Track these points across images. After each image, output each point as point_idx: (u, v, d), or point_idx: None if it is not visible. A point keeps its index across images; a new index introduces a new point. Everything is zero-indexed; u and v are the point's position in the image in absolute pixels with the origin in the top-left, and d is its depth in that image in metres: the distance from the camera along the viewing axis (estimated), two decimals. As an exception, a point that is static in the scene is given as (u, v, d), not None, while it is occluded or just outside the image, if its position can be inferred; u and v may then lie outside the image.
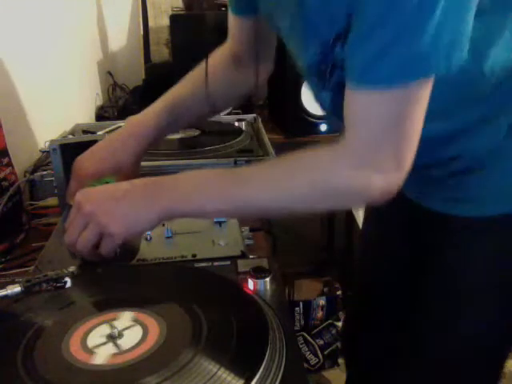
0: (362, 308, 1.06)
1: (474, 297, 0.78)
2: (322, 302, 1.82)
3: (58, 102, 1.53)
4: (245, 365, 0.50)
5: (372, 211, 1.02)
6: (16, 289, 0.64)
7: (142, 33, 2.33)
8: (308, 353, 1.77)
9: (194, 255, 0.77)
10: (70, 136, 1.30)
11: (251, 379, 0.48)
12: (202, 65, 0.92)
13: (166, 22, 2.27)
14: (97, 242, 0.69)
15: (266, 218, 0.71)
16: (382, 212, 0.91)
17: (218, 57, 0.95)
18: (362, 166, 0.62)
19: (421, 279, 0.83)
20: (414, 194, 0.83)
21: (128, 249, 0.79)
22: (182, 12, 2.02)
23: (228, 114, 1.85)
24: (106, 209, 0.68)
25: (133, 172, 0.86)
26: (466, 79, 0.65)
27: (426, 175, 0.78)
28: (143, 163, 1.07)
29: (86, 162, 0.85)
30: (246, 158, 1.08)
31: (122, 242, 0.69)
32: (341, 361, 1.76)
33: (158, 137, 0.89)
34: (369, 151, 0.61)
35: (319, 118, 1.75)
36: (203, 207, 0.67)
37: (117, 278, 0.72)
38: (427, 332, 0.83)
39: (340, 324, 1.78)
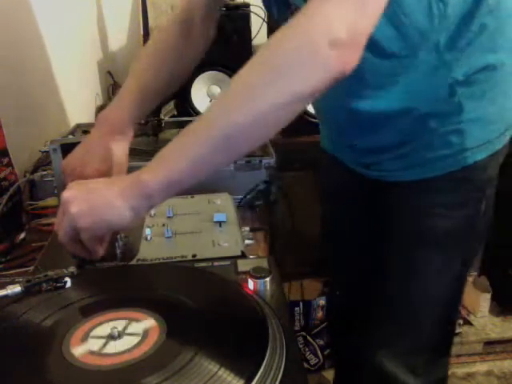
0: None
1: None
2: (321, 302, 1.82)
3: (58, 102, 1.53)
4: (245, 365, 0.50)
5: (326, 191, 1.12)
6: (16, 289, 0.64)
7: (141, 33, 2.33)
8: (308, 353, 1.77)
9: (194, 255, 0.77)
10: (70, 136, 1.30)
11: (251, 379, 0.48)
12: (152, 46, 0.96)
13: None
14: (77, 237, 0.67)
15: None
16: (335, 190, 1.05)
17: (164, 34, 0.95)
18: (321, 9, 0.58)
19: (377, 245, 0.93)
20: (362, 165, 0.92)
21: (127, 249, 0.79)
22: (182, 12, 2.01)
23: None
24: (79, 200, 0.66)
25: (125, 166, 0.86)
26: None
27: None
28: (143, 163, 1.07)
29: (78, 161, 0.84)
30: (245, 158, 1.08)
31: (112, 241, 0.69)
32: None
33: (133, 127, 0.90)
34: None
35: (319, 118, 1.75)
36: (178, 164, 0.63)
37: (117, 277, 0.72)
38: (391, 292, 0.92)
39: (340, 324, 1.78)
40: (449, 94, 0.77)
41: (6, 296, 0.64)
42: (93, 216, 0.65)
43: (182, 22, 0.92)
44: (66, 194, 0.67)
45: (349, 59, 0.59)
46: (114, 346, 0.54)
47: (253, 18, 1.92)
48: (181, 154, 0.64)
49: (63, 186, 0.94)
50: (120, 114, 0.87)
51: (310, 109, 1.74)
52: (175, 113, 1.99)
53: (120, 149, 0.85)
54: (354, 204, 1.03)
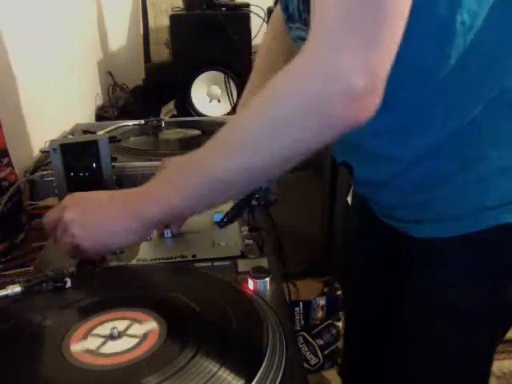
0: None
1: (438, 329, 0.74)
2: (321, 302, 1.82)
3: (58, 102, 1.53)
4: (245, 365, 0.50)
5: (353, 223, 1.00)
6: (16, 289, 0.64)
7: (142, 33, 2.33)
8: (308, 353, 1.77)
9: (194, 255, 0.77)
10: (70, 136, 1.30)
11: (251, 379, 0.48)
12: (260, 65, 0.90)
13: (166, 21, 2.27)
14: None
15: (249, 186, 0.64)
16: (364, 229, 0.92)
17: (268, 45, 0.90)
18: (332, 58, 0.50)
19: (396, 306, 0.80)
20: (384, 213, 0.79)
21: (127, 249, 0.79)
22: (182, 12, 2.01)
23: (228, 114, 1.85)
24: (82, 219, 0.66)
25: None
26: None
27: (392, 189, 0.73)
28: (143, 163, 1.07)
29: None
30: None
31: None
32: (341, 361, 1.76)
33: None
34: (339, 38, 0.49)
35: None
36: (171, 200, 0.62)
37: (117, 278, 0.72)
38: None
39: (340, 324, 1.78)
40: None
41: (6, 296, 0.64)
42: (95, 241, 0.66)
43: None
44: (68, 216, 0.66)
45: (368, 108, 0.51)
46: (113, 346, 0.54)
47: (253, 18, 1.92)
48: (178, 193, 0.62)
49: (64, 186, 0.95)
50: None
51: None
52: (175, 113, 2.00)
53: None
54: (373, 250, 0.92)
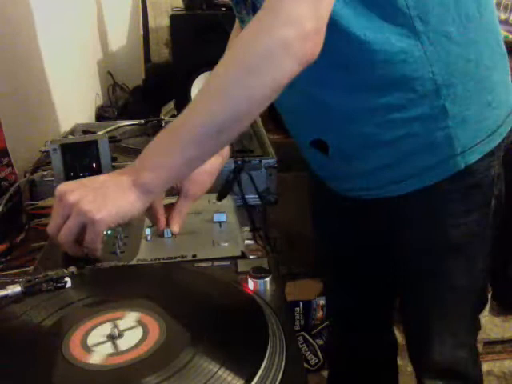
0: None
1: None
2: (321, 302, 1.83)
3: (58, 102, 1.53)
4: (245, 365, 0.50)
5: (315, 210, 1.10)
6: (16, 289, 0.64)
7: (141, 33, 2.33)
8: (308, 353, 1.77)
9: (194, 255, 0.77)
10: (70, 136, 1.30)
11: (251, 379, 0.48)
12: None
13: (166, 22, 2.27)
14: (79, 237, 0.68)
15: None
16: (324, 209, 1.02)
17: None
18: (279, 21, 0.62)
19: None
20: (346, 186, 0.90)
21: (126, 249, 0.79)
22: (182, 12, 2.01)
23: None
24: (89, 197, 0.67)
25: (212, 177, 0.86)
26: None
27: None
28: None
29: None
30: (246, 158, 1.08)
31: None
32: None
33: None
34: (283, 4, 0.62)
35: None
36: (164, 162, 0.67)
37: (117, 277, 0.72)
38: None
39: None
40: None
41: (5, 296, 0.64)
42: (108, 210, 0.67)
43: None
44: (73, 198, 0.67)
45: (316, 47, 0.63)
46: (113, 346, 0.54)
47: (253, 17, 1.91)
48: (174, 153, 0.67)
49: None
50: None
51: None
52: (175, 113, 1.99)
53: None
54: (341, 221, 1.00)
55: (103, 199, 0.67)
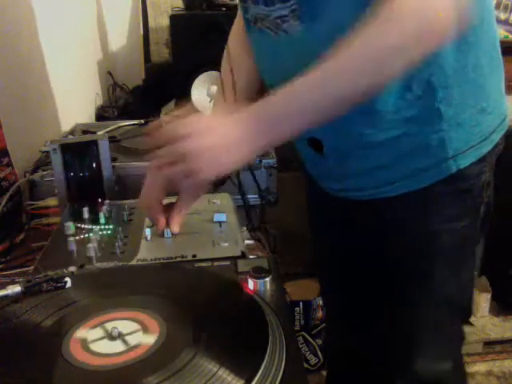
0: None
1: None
2: (321, 301, 1.82)
3: (58, 102, 1.53)
4: (245, 365, 0.50)
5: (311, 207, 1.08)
6: (16, 289, 0.64)
7: (141, 33, 2.33)
8: (308, 353, 1.77)
9: (194, 255, 0.77)
10: (70, 136, 1.30)
11: (251, 379, 0.48)
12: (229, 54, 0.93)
13: (166, 21, 2.27)
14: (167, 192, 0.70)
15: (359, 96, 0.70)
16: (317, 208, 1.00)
17: (235, 41, 0.94)
18: None
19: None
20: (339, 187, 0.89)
21: (126, 249, 0.79)
22: (182, 12, 2.01)
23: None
24: (207, 151, 0.67)
25: None
26: None
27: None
28: (143, 163, 1.07)
29: None
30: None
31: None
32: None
33: None
34: None
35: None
36: (298, 119, 0.68)
37: (117, 277, 0.72)
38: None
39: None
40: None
41: (5, 296, 0.64)
42: (221, 165, 0.68)
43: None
44: (192, 144, 0.67)
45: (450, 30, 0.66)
46: (113, 346, 0.54)
47: (253, 18, 1.92)
48: (302, 112, 0.67)
49: (64, 186, 0.95)
50: None
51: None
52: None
53: None
54: (331, 221, 1.00)
55: (219, 155, 0.67)
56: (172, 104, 2.05)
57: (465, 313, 1.00)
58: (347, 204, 0.89)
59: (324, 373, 1.75)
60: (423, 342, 0.92)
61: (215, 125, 0.70)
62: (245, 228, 0.89)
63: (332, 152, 0.84)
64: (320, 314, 1.84)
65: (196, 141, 0.67)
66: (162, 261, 0.76)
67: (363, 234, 0.92)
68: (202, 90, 1.89)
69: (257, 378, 0.49)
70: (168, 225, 0.81)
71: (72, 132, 1.39)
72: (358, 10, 0.65)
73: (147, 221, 0.88)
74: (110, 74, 2.22)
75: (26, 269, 0.82)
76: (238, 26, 0.94)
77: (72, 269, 0.69)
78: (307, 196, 1.10)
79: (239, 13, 0.92)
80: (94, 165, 0.98)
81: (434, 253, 0.86)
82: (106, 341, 0.55)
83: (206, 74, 1.86)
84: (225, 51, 0.94)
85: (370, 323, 1.02)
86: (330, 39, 0.65)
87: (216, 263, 0.72)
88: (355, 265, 1.00)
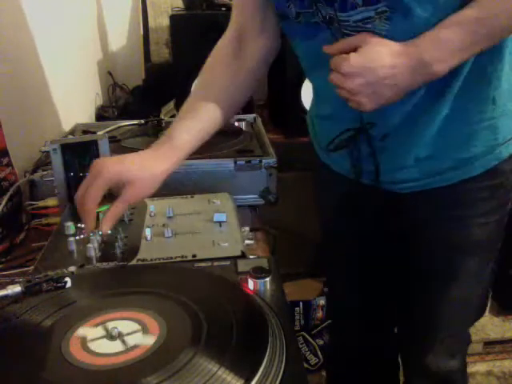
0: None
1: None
2: (321, 302, 1.82)
3: (58, 102, 1.53)
4: (245, 365, 0.50)
5: (341, 205, 1.03)
6: (16, 289, 0.64)
7: (141, 33, 2.33)
8: (308, 353, 1.77)
9: (194, 255, 0.77)
10: (70, 136, 1.30)
11: (251, 379, 0.48)
12: (207, 66, 0.92)
13: (166, 21, 2.27)
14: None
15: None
16: (353, 205, 0.97)
17: (217, 52, 0.92)
18: None
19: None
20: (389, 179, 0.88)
21: (126, 249, 0.79)
22: (182, 12, 2.01)
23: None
24: (368, 93, 0.70)
25: (153, 184, 0.79)
26: None
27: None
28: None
29: (109, 161, 0.78)
30: (246, 158, 1.08)
31: None
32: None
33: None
34: None
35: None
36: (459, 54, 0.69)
37: (117, 277, 0.72)
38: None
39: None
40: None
41: (6, 296, 0.64)
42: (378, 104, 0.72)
43: (233, 38, 0.89)
44: (352, 84, 0.70)
45: None
46: (113, 346, 0.54)
47: (253, 18, 1.91)
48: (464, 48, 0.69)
49: (64, 185, 0.95)
50: (181, 143, 0.82)
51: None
52: (175, 113, 1.99)
53: (160, 162, 0.80)
54: (362, 219, 0.99)
55: (379, 96, 0.70)
56: (172, 104, 2.05)
57: (479, 311, 1.03)
58: (382, 201, 0.91)
59: (324, 373, 1.75)
60: (439, 337, 0.96)
61: (384, 56, 0.70)
62: (245, 228, 0.89)
63: (388, 127, 0.83)
64: (320, 313, 1.84)
65: (358, 83, 0.70)
66: (161, 261, 0.76)
67: (394, 230, 0.94)
68: (202, 90, 1.89)
69: (257, 377, 0.49)
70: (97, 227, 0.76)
71: (72, 132, 1.39)
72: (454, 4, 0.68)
73: (147, 221, 0.88)
74: (110, 74, 2.22)
75: (26, 269, 0.82)
76: (231, 36, 0.91)
77: (72, 269, 0.69)
78: (326, 199, 1.07)
79: (228, 34, 0.90)
80: (94, 165, 0.97)
81: (467, 247, 0.88)
82: (105, 341, 0.55)
83: (206, 74, 1.85)
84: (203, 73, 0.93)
85: (390, 322, 1.02)
86: (413, 35, 0.69)
87: (216, 263, 0.72)
88: (380, 263, 1.01)
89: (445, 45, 0.68)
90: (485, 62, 0.75)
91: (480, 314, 1.11)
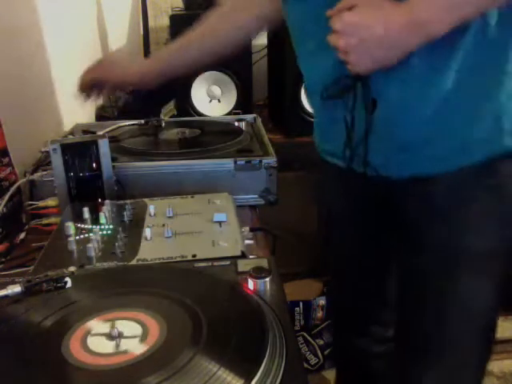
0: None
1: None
2: (321, 302, 1.82)
3: (58, 102, 1.53)
4: (245, 365, 0.50)
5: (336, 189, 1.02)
6: (16, 289, 0.64)
7: (141, 33, 2.33)
8: (308, 353, 1.77)
9: (194, 255, 0.77)
10: (70, 136, 1.30)
11: (251, 379, 0.48)
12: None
13: (166, 21, 2.27)
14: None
15: None
16: (348, 189, 0.95)
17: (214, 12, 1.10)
18: None
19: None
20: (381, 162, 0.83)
21: (127, 249, 0.79)
22: (182, 12, 2.01)
23: (228, 114, 1.85)
24: (365, 51, 0.70)
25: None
26: None
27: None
28: (143, 163, 1.08)
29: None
30: (246, 158, 1.08)
31: None
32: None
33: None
34: None
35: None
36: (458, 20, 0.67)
37: (117, 277, 0.72)
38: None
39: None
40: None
41: (6, 296, 0.64)
42: (375, 64, 0.71)
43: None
44: (351, 41, 0.70)
45: None
46: (113, 346, 0.54)
47: (253, 17, 1.91)
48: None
49: (64, 185, 0.95)
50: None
51: (310, 109, 1.74)
52: (175, 113, 2.00)
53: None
54: (368, 219, 0.96)
55: (373, 57, 0.70)
56: (172, 104, 2.05)
57: (489, 344, 1.01)
58: (386, 189, 0.85)
59: (324, 373, 1.75)
60: (435, 377, 0.93)
61: (380, 16, 0.69)
62: (245, 228, 0.89)
63: (392, 102, 0.78)
64: (320, 313, 1.84)
65: (357, 38, 0.69)
66: (161, 261, 0.76)
67: (398, 230, 0.90)
68: (201, 89, 1.89)
69: (257, 378, 0.49)
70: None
71: (72, 132, 1.39)
72: None
73: (147, 221, 0.88)
74: (110, 74, 2.21)
75: (26, 269, 0.82)
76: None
77: (72, 269, 0.69)
78: (333, 195, 1.04)
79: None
80: (94, 165, 0.98)
81: (467, 258, 0.83)
82: (105, 341, 0.55)
83: (206, 73, 1.86)
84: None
85: (399, 321, 1.01)
86: None
87: (216, 263, 0.72)
88: (386, 264, 0.99)
89: (437, 1, 0.66)
90: (495, 35, 0.71)
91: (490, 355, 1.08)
